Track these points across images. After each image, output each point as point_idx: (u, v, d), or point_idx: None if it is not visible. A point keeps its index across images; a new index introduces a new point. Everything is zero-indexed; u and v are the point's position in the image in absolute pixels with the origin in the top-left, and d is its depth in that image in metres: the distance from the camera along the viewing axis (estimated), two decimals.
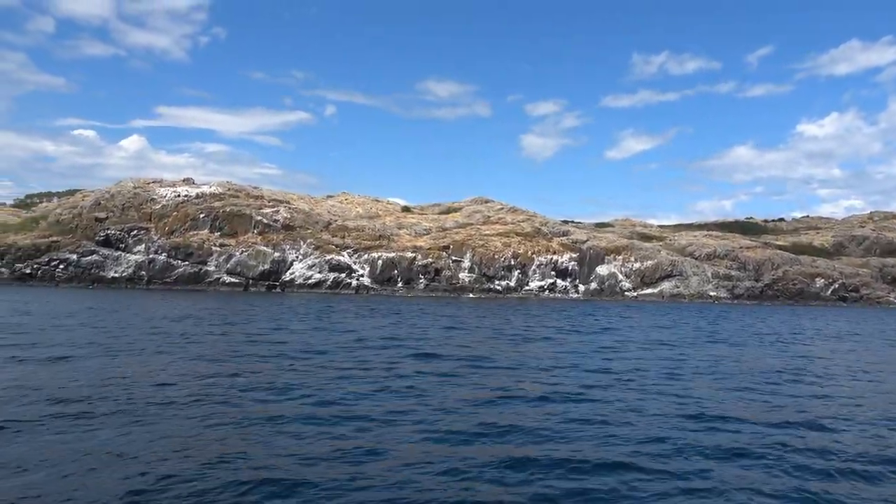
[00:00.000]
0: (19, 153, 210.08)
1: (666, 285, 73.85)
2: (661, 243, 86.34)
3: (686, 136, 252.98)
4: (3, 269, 65.05)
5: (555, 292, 68.54)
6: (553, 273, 69.22)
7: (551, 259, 69.39)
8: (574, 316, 38.87)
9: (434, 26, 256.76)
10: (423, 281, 65.44)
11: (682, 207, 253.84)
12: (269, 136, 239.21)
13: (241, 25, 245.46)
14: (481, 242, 68.97)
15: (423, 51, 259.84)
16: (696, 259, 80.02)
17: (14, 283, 62.03)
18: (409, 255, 65.78)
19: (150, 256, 63.88)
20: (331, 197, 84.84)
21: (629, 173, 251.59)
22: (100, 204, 70.34)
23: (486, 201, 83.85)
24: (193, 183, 77.51)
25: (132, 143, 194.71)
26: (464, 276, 66.85)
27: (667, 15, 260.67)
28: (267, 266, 63.47)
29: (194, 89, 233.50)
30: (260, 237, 65.67)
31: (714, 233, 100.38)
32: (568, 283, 69.75)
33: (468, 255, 67.74)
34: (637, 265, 73.98)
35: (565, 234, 76.42)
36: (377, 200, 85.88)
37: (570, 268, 70.12)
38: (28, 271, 63.78)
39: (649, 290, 73.13)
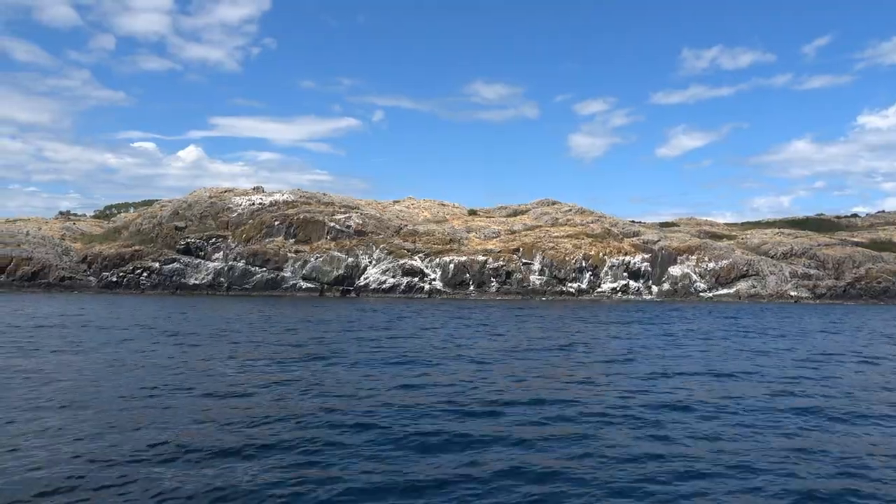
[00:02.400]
0: (85, 166, 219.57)
1: (742, 285, 72.22)
2: (732, 242, 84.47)
3: (741, 131, 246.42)
4: (91, 278, 68.22)
5: (628, 294, 67.84)
6: (625, 274, 68.53)
7: (623, 260, 68.72)
8: (717, 327, 33.13)
9: (481, 29, 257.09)
10: (494, 284, 65.69)
11: (738, 205, 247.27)
12: (319, 142, 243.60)
13: (290, 36, 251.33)
14: (551, 244, 68.82)
15: (471, 53, 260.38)
16: (771, 258, 78.03)
17: (103, 292, 64.95)
18: (481, 258, 66.14)
19: (229, 264, 65.96)
20: (397, 202, 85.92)
21: (680, 171, 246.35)
22: (178, 213, 73.01)
23: (553, 203, 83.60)
24: (263, 191, 79.67)
25: (189, 153, 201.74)
26: (534, 278, 66.81)
27: (717, 9, 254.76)
28: (341, 271, 64.77)
29: (247, 99, 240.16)
30: (333, 243, 67.04)
31: (785, 230, 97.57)
32: (641, 285, 68.94)
33: (538, 257, 67.68)
34: (711, 265, 72.59)
35: (636, 234, 75.55)
36: (443, 204, 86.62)
37: (642, 269, 69.30)
38: (114, 279, 66.67)
39: (724, 291, 71.65)
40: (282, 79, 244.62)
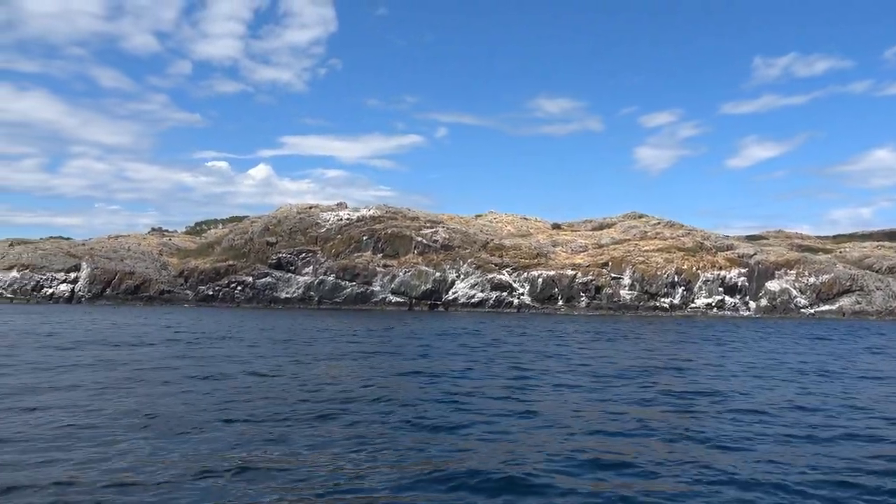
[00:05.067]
0: (163, 184, 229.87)
1: (845, 301, 68.84)
2: (830, 256, 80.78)
3: (817, 140, 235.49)
4: (188, 292, 71.11)
5: (723, 309, 65.69)
6: (721, 289, 66.44)
7: (718, 275, 66.67)
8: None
9: (544, 45, 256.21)
10: (583, 299, 64.84)
11: (814, 217, 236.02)
12: (383, 159, 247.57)
13: (356, 56, 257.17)
14: (641, 258, 67.48)
15: (534, 69, 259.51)
16: (875, 272, 74.14)
17: (200, 305, 67.55)
18: (569, 272, 65.45)
19: (319, 278, 67.51)
20: (479, 216, 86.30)
21: (752, 183, 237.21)
22: (268, 229, 75.34)
23: (641, 216, 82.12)
24: (347, 207, 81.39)
25: (259, 171, 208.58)
26: (625, 293, 65.58)
27: (790, 16, 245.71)
28: (429, 285, 65.29)
29: (314, 118, 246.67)
30: (420, 257, 67.73)
31: (886, 243, 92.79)
32: (737, 300, 66.67)
33: (628, 271, 66.45)
34: (811, 280, 69.53)
35: (729, 248, 73.24)
36: (525, 218, 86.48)
37: (738, 284, 67.05)
38: (210, 293, 69.27)
39: (826, 307, 68.47)
40: (348, 98, 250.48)
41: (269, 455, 9.09)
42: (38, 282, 69.31)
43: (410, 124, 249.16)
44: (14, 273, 69.60)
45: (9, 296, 68.15)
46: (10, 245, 75.89)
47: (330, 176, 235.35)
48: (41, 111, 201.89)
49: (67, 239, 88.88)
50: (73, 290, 69.65)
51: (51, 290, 69.21)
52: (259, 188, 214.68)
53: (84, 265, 70.92)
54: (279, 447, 9.44)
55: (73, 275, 70.81)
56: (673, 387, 15.68)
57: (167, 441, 9.67)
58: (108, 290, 69.54)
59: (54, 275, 70.10)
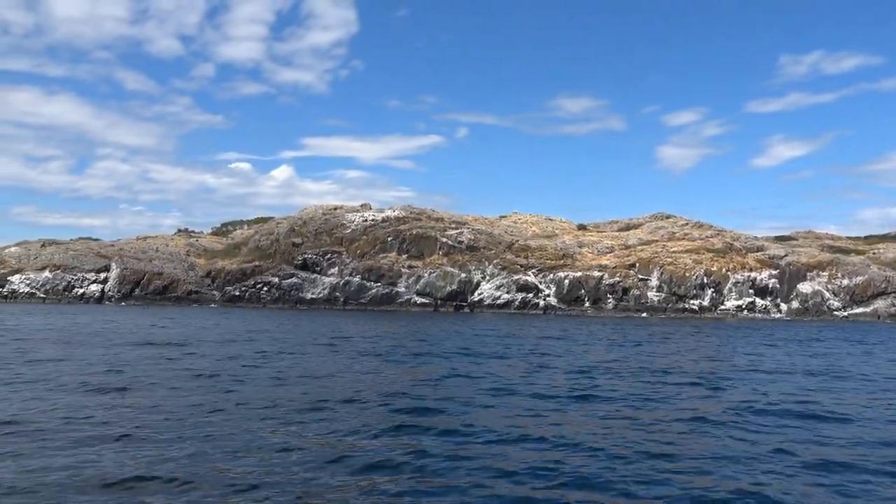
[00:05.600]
0: (185, 186, 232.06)
1: (881, 304, 67.46)
2: (863, 257, 79.19)
3: (846, 139, 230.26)
4: (214, 292, 71.89)
5: (754, 312, 64.74)
6: (751, 291, 65.50)
7: (748, 276, 65.71)
8: None
9: (563, 44, 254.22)
10: (611, 300, 64.32)
11: (843, 217, 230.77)
12: (404, 160, 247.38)
13: (377, 57, 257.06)
14: (669, 260, 66.75)
15: (554, 68, 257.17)
16: None
17: (227, 305, 68.22)
18: (596, 273, 64.97)
19: (345, 279, 67.80)
20: (503, 217, 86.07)
21: (779, 182, 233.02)
22: (294, 230, 75.84)
23: (668, 216, 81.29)
24: (371, 208, 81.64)
25: (281, 172, 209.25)
26: (652, 295, 64.93)
27: (817, 12, 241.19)
28: (454, 286, 65.24)
29: (335, 119, 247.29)
30: (445, 258, 67.73)
31: None
32: (768, 302, 65.66)
33: (656, 273, 65.77)
34: (844, 282, 68.25)
35: (759, 249, 72.17)
36: (550, 219, 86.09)
37: (770, 285, 66.02)
38: (237, 293, 69.97)
39: (860, 310, 67.17)
40: (369, 99, 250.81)
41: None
42: (70, 282, 70.52)
43: (431, 125, 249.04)
44: (47, 273, 70.90)
45: (41, 296, 69.45)
46: (43, 246, 77.24)
47: (351, 177, 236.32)
48: (68, 114, 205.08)
49: (96, 240, 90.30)
50: (102, 291, 70.78)
51: (81, 291, 70.39)
52: (281, 189, 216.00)
53: (114, 266, 72.04)
54: None
55: (102, 275, 71.98)
56: None
57: None
58: (137, 291, 70.58)
59: (85, 275, 71.29)
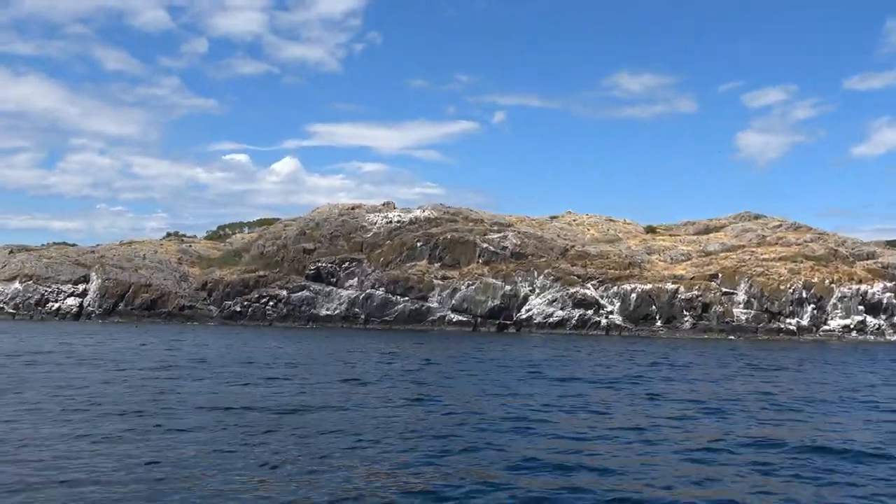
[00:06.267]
0: (172, 182, 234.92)
1: None
2: None
3: None
4: (211, 307, 73.01)
5: (864, 333, 63.66)
6: (861, 308, 64.41)
7: (858, 289, 64.67)
8: None
9: (623, 11, 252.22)
10: (688, 318, 63.89)
11: None
12: (429, 150, 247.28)
13: (399, 29, 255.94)
14: (759, 269, 66.07)
15: (611, 39, 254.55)
16: None
17: (226, 323, 69.28)
18: (669, 286, 64.61)
19: (366, 292, 68.38)
20: (555, 218, 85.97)
21: (887, 174, 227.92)
22: (304, 234, 76.85)
23: (757, 217, 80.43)
24: (395, 207, 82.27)
25: (285, 165, 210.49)
26: (739, 312, 64.29)
27: None
28: (497, 301, 65.41)
29: (349, 103, 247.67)
30: (486, 267, 67.98)
31: None
32: (882, 322, 64.50)
33: (743, 285, 65.14)
34: None
35: (869, 256, 71.02)
36: (611, 220, 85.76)
37: (884, 301, 64.86)
38: (238, 309, 71.01)
39: None
40: (389, 78, 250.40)
41: None
42: (43, 295, 72.26)
43: (462, 108, 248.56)
44: (17, 285, 72.77)
45: (10, 311, 71.31)
46: (11, 252, 79.20)
47: (367, 170, 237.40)
48: (38, 99, 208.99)
49: (73, 245, 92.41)
50: (81, 305, 72.39)
51: (57, 305, 72.07)
52: (285, 185, 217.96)
53: (94, 276, 73.65)
54: None
55: (81, 287, 73.62)
56: None
57: None
58: (122, 305, 71.97)
59: (60, 287, 73.01)
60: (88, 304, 72.29)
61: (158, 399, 18.52)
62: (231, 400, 18.45)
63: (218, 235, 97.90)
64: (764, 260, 67.95)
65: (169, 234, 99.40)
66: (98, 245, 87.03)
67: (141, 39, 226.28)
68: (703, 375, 28.92)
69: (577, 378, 26.08)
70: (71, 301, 72.69)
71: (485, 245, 69.93)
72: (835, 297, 64.84)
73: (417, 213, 76.35)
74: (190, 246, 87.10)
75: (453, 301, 66.27)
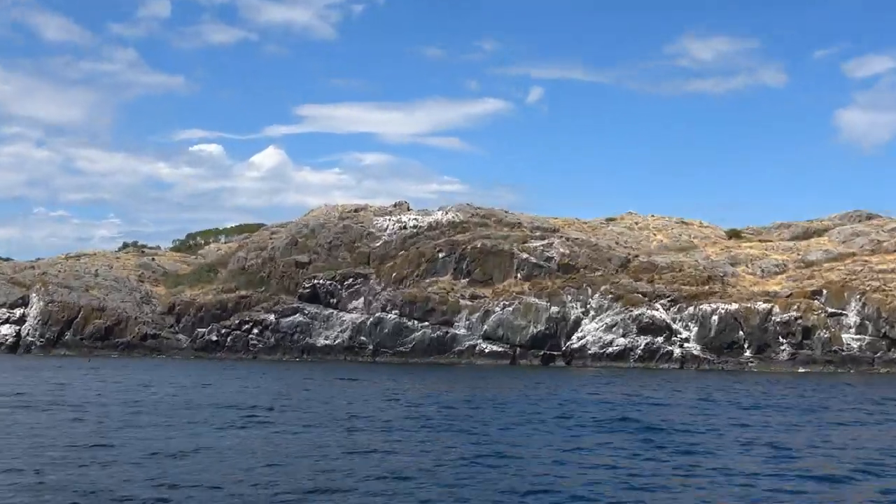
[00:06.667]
0: (127, 179, 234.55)
1: None
2: None
3: None
4: (180, 336, 72.67)
5: None
6: None
7: None
8: None
9: None
10: (785, 347, 62.61)
11: None
12: (447, 136, 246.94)
13: None
14: (875, 284, 64.62)
15: None
16: None
17: (200, 355, 68.92)
18: (760, 306, 63.43)
19: (375, 315, 67.73)
20: (612, 220, 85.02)
21: None
22: (296, 243, 76.43)
23: (870, 217, 78.81)
24: (410, 209, 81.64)
25: (267, 157, 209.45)
26: (849, 338, 62.90)
27: None
28: (541, 327, 64.58)
29: (345, 78, 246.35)
30: (526, 284, 67.42)
31: None
32: None
33: (854, 304, 63.74)
34: None
35: None
36: (683, 222, 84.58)
37: None
38: (214, 338, 70.90)
39: None
40: (395, 47, 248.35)
41: None
42: None
43: (488, 84, 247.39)
44: None
45: None
46: None
47: (368, 163, 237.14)
48: None
49: (7, 260, 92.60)
50: (19, 334, 72.17)
51: None
52: (267, 182, 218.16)
53: (34, 298, 73.50)
54: None
55: (18, 311, 73.55)
56: None
57: None
58: (69, 334, 71.81)
59: None
60: (28, 333, 72.14)
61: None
62: None
63: (187, 246, 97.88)
64: (881, 272, 66.57)
65: (126, 245, 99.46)
66: (39, 259, 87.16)
67: (87, 3, 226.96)
68: (837, 421, 27.81)
69: (678, 430, 25.00)
70: (6, 329, 72.59)
71: (524, 255, 69.15)
72: None
73: (438, 215, 75.72)
74: (153, 259, 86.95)
75: (485, 327, 65.50)
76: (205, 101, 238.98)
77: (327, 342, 68.71)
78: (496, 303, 66.36)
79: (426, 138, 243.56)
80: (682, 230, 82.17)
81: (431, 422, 26.19)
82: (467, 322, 66.08)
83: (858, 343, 62.91)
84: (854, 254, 71.45)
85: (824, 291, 65.28)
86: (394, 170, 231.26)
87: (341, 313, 69.76)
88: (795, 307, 63.84)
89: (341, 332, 69.00)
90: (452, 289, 68.25)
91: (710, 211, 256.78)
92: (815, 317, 63.43)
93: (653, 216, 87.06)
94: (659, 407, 32.12)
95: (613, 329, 64.14)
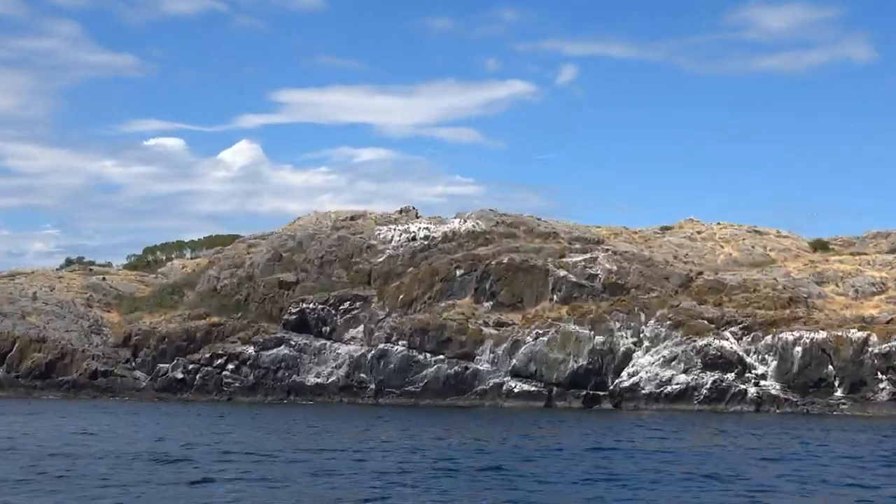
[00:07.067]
0: (68, 181, 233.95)
1: None
2: None
3: None
4: (138, 374, 73.15)
5: None
6: None
7: None
8: None
9: None
10: (884, 385, 62.73)
11: None
12: (460, 127, 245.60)
13: None
14: None
15: None
16: None
17: (163, 397, 69.34)
18: (854, 334, 63.59)
19: (378, 347, 68.07)
20: (667, 230, 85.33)
21: None
22: (280, 258, 77.08)
23: None
24: (418, 216, 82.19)
25: (238, 154, 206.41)
26: None
27: None
28: (582, 361, 64.77)
29: (335, 57, 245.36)
30: (565, 308, 67.58)
31: None
32: None
33: None
34: None
35: None
36: (757, 231, 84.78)
37: None
38: (179, 376, 71.16)
39: None
40: (397, 18, 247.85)
41: None
42: None
43: (510, 62, 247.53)
44: None
45: None
46: None
47: (363, 160, 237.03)
48: None
49: None
50: None
51: None
52: (238, 184, 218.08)
53: None
54: None
55: None
56: None
57: None
58: (2, 372, 72.20)
59: None
60: None
61: None
62: None
63: (145, 262, 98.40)
64: None
65: (70, 262, 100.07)
66: None
67: None
68: None
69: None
70: None
71: (562, 273, 69.43)
72: None
73: (455, 224, 76.17)
74: (103, 279, 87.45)
75: (514, 361, 65.67)
76: (162, 86, 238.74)
77: (319, 380, 68.95)
78: (527, 331, 66.48)
79: (433, 129, 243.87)
80: (755, 241, 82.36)
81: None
82: (492, 355, 66.24)
83: None
84: None
85: None
86: (394, 168, 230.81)
87: (336, 345, 70.09)
88: None
89: (336, 367, 69.29)
90: (473, 314, 68.45)
91: (789, 217, 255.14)
92: None
93: (719, 224, 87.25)
94: (775, 463, 31.61)
95: (673, 363, 64.23)
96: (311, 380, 69.13)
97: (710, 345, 64.24)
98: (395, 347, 67.75)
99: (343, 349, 69.76)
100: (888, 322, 65.11)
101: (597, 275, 69.56)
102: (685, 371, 64.04)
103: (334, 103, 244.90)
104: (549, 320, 66.85)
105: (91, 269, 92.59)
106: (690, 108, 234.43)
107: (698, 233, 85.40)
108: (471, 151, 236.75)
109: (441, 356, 66.79)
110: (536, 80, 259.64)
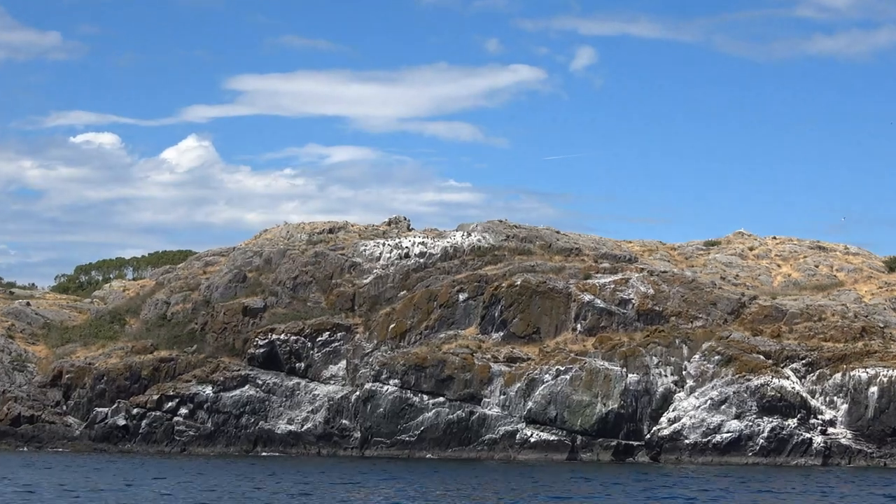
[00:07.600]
0: None
1: None
2: None
3: None
4: (70, 420, 72.93)
5: None
6: None
7: None
8: None
9: None
10: None
11: None
12: (455, 121, 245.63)
13: None
14: None
15: None
16: None
17: (100, 448, 69.06)
18: None
19: (365, 388, 67.96)
20: (713, 245, 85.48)
21: None
22: (244, 280, 77.04)
23: None
24: (411, 229, 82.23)
25: (185, 153, 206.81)
26: None
27: None
28: (613, 404, 64.80)
29: (303, 37, 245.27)
30: (591, 340, 67.58)
31: None
32: None
33: None
34: None
35: None
36: (820, 247, 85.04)
37: None
38: (121, 422, 70.86)
39: None
40: None
41: None
42: None
43: (514, 44, 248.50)
44: None
45: None
46: None
47: (336, 161, 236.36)
48: None
49: None
50: None
51: None
52: (185, 189, 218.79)
53: None
54: None
55: None
56: None
57: None
58: None
59: None
60: None
61: None
62: None
63: (77, 285, 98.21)
64: None
65: None
66: None
67: None
68: None
69: None
70: None
71: (587, 297, 69.55)
72: None
73: (457, 238, 76.34)
74: (27, 304, 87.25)
75: (530, 404, 65.65)
76: (94, 71, 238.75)
77: (292, 427, 68.85)
78: (546, 368, 66.42)
79: (423, 124, 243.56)
80: (819, 259, 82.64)
81: None
82: (503, 397, 66.22)
83: None
84: None
85: None
86: (375, 170, 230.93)
87: (313, 384, 70.08)
88: None
89: (312, 412, 69.23)
90: (479, 347, 68.47)
91: (857, 230, 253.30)
92: None
93: (774, 238, 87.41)
94: None
95: (722, 407, 64.23)
96: (283, 427, 68.86)
97: (767, 385, 64.30)
98: (385, 388, 67.55)
99: (321, 390, 69.67)
100: None
101: (629, 300, 69.65)
102: (737, 417, 63.99)
103: (301, 92, 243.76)
104: (572, 355, 66.82)
105: (12, 293, 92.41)
106: (731, 98, 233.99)
107: (750, 249, 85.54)
108: (467, 151, 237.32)
109: (441, 398, 66.75)
110: (546, 66, 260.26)
